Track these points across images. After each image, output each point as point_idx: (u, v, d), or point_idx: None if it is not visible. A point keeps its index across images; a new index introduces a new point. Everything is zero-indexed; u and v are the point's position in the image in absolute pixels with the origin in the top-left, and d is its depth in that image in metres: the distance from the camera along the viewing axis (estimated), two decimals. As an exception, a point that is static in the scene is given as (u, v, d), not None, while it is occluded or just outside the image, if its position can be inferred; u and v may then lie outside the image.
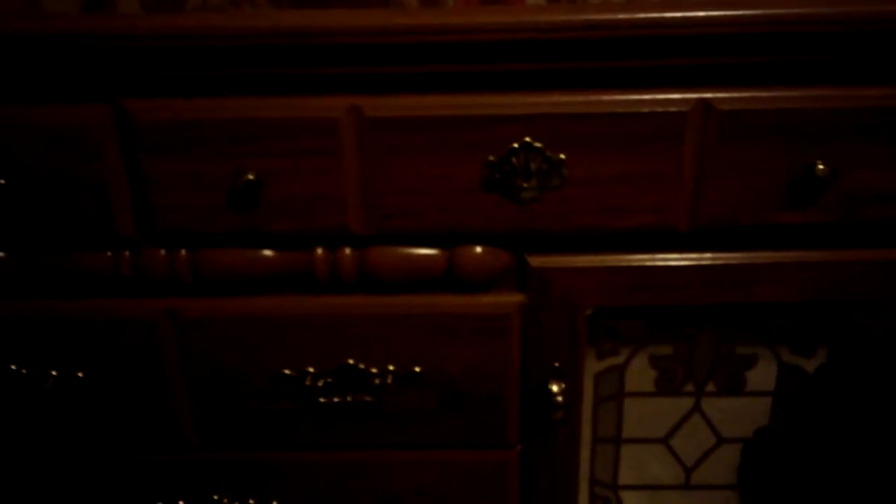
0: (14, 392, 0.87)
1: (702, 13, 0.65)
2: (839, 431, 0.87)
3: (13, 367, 0.86)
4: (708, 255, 0.79)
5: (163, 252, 0.80)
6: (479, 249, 0.80)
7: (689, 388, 0.91)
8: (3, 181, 0.75)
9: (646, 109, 0.70)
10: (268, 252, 0.80)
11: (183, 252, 0.80)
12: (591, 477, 0.96)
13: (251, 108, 0.72)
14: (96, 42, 0.69)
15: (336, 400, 0.86)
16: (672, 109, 0.70)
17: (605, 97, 0.71)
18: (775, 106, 0.71)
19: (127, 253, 0.80)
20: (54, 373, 0.86)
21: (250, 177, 0.73)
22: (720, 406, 0.92)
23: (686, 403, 0.92)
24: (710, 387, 0.90)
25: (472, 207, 0.76)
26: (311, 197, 0.75)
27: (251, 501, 0.93)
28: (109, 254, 0.80)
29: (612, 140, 0.72)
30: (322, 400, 0.86)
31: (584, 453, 0.94)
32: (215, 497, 0.93)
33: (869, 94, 0.70)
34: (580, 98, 0.71)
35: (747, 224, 0.76)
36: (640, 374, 0.90)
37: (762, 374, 0.89)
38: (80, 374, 0.86)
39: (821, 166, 0.71)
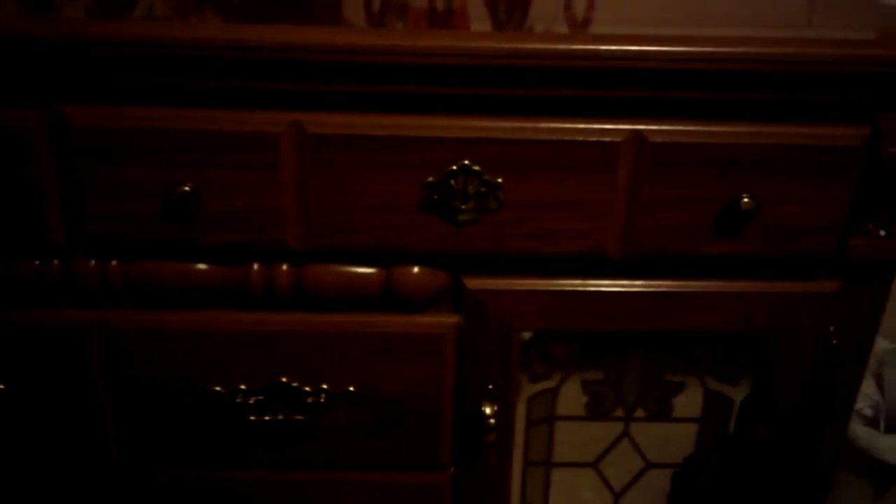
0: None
1: (635, 47, 0.67)
2: (761, 458, 0.90)
3: (-71, 376, 0.83)
4: (639, 282, 0.81)
5: (93, 262, 0.79)
6: (416, 269, 0.80)
7: (620, 412, 0.92)
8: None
9: (581, 138, 0.72)
10: (202, 265, 0.80)
11: (114, 262, 0.79)
12: (522, 500, 0.97)
13: (191, 119, 0.72)
14: (34, 46, 0.68)
15: (267, 418, 0.85)
16: (606, 139, 0.72)
17: (543, 124, 0.72)
18: (705, 140, 0.73)
19: (56, 261, 0.79)
20: (-25, 383, 0.83)
21: (186, 188, 0.73)
22: (650, 432, 0.93)
23: (617, 428, 0.93)
24: (640, 412, 0.92)
25: (411, 227, 0.76)
26: (250, 211, 0.75)
27: (178, 522, 0.91)
28: (37, 262, 0.79)
29: (548, 166, 0.73)
30: (253, 418, 0.85)
31: (516, 476, 0.94)
32: (141, 517, 0.91)
33: (795, 132, 0.73)
34: (519, 124, 0.72)
35: (676, 252, 0.78)
36: (572, 398, 0.91)
37: (689, 401, 0.91)
38: (1, 386, 0.83)
39: (745, 199, 0.74)
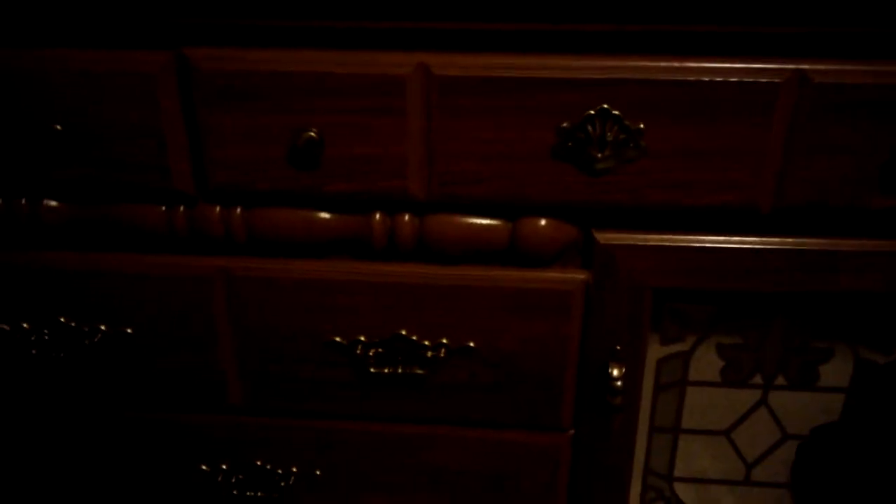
0: (62, 345, 0.86)
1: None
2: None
3: (62, 319, 0.85)
4: (788, 239, 0.74)
5: (217, 209, 0.78)
6: (543, 222, 0.76)
7: (758, 379, 0.86)
8: (58, 127, 0.73)
9: (735, 79, 0.65)
10: (324, 214, 0.78)
11: (238, 210, 0.78)
12: (645, 466, 0.92)
13: (317, 62, 0.69)
14: (160, -13, 0.66)
15: (387, 371, 0.83)
16: (764, 80, 0.65)
17: (692, 64, 0.66)
18: (875, 81, 0.65)
19: (182, 208, 0.78)
20: (103, 327, 0.85)
21: (312, 134, 0.70)
22: (791, 402, 0.87)
23: (754, 396, 0.87)
24: (780, 380, 0.85)
25: (540, 177, 0.72)
26: (373, 158, 0.72)
27: (294, 469, 0.92)
28: (164, 208, 0.79)
29: (696, 110, 0.67)
30: (373, 370, 0.83)
31: (640, 442, 0.90)
32: (258, 463, 0.92)
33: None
34: (664, 64, 0.66)
35: (835, 206, 0.71)
36: (705, 363, 0.86)
37: (837, 370, 0.84)
38: (128, 331, 0.84)
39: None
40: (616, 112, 0.67)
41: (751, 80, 0.65)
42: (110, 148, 0.74)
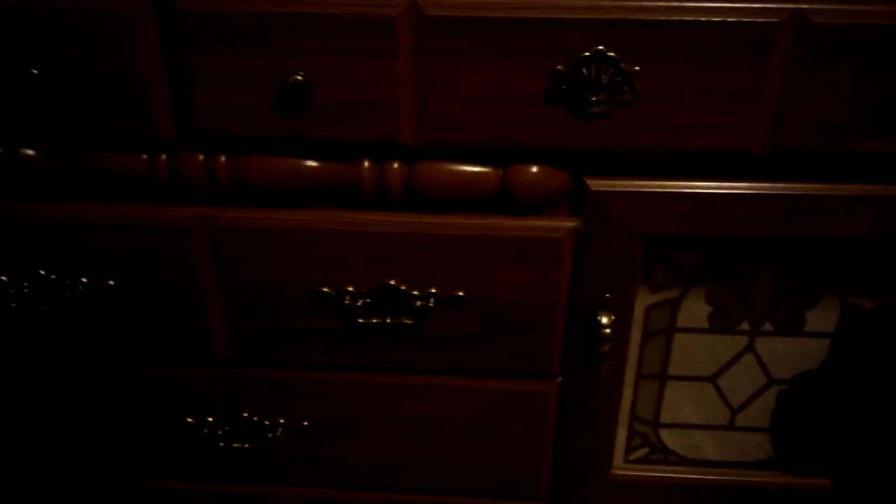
0: (42, 298, 0.84)
1: None
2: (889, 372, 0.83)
3: (42, 272, 0.82)
4: (780, 184, 0.74)
5: (201, 157, 0.76)
6: (535, 169, 0.75)
7: (745, 326, 0.86)
8: (34, 71, 0.70)
9: (733, 18, 0.64)
10: (311, 162, 0.76)
11: (223, 157, 0.76)
12: (631, 413, 0.93)
13: (304, 2, 0.66)
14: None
15: (375, 321, 0.83)
16: (762, 19, 0.64)
17: (690, 3, 0.65)
18: (874, 21, 0.65)
19: (164, 156, 0.76)
20: (84, 280, 0.83)
21: (299, 77, 0.68)
22: (776, 347, 0.88)
23: (741, 342, 0.88)
24: (767, 326, 0.86)
25: (532, 122, 0.71)
26: (362, 103, 0.70)
27: (282, 420, 0.91)
28: (145, 157, 0.76)
29: (692, 52, 0.66)
30: (361, 320, 0.83)
31: (627, 389, 0.91)
32: (245, 414, 0.91)
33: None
34: (662, 3, 0.65)
35: (828, 150, 0.70)
36: (695, 310, 0.86)
37: (824, 316, 0.85)
38: (111, 283, 0.83)
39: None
40: (612, 54, 0.66)
41: (749, 19, 0.64)
42: (89, 93, 0.71)
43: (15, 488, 1.01)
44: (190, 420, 0.92)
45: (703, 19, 0.64)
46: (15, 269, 0.82)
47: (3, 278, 0.83)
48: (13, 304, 0.84)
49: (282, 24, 0.67)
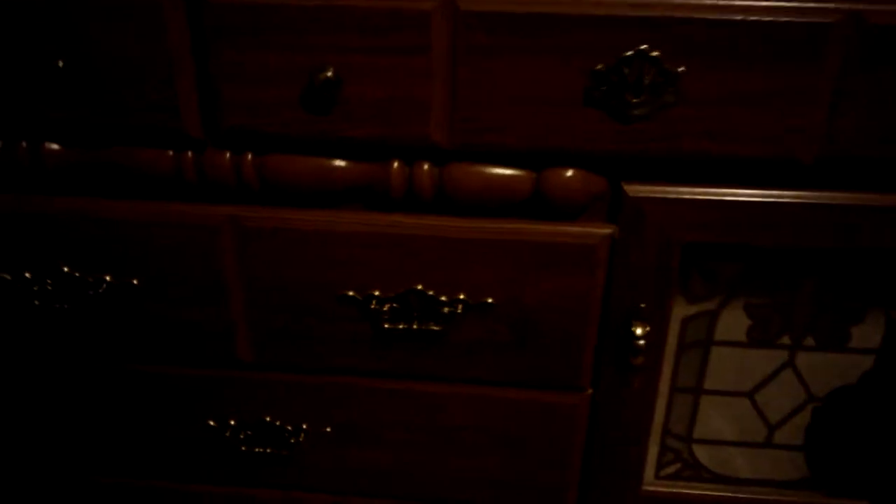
0: (65, 296, 0.82)
1: None
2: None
3: (65, 269, 0.81)
4: (827, 193, 0.71)
5: (228, 154, 0.74)
6: (570, 173, 0.72)
7: (786, 340, 0.83)
8: (60, 63, 0.69)
9: (785, 18, 0.61)
10: (340, 162, 0.74)
11: (250, 156, 0.74)
12: (663, 427, 0.90)
13: (334, -5, 0.65)
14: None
15: (402, 326, 0.80)
16: (816, 20, 0.61)
17: (739, 2, 0.62)
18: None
19: (190, 153, 0.75)
20: (108, 278, 0.81)
21: (329, 74, 0.66)
22: (818, 363, 0.84)
23: (781, 357, 0.84)
24: (809, 341, 0.82)
25: (569, 124, 0.68)
26: (393, 101, 0.68)
27: (304, 426, 0.89)
28: (171, 153, 0.75)
29: (739, 53, 0.63)
30: (387, 326, 0.80)
31: (661, 402, 0.87)
32: (267, 419, 0.89)
33: None
34: (709, 1, 0.62)
35: (881, 158, 0.67)
36: (732, 323, 0.83)
37: (869, 332, 0.81)
38: (134, 281, 0.81)
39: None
40: (655, 53, 0.63)
41: (802, 20, 0.61)
42: (115, 87, 0.70)
43: (34, 487, 1.00)
44: (212, 423, 0.90)
45: (753, 18, 0.61)
46: (38, 266, 0.81)
47: (27, 275, 0.82)
48: (36, 302, 0.83)
49: (312, 17, 0.65)
